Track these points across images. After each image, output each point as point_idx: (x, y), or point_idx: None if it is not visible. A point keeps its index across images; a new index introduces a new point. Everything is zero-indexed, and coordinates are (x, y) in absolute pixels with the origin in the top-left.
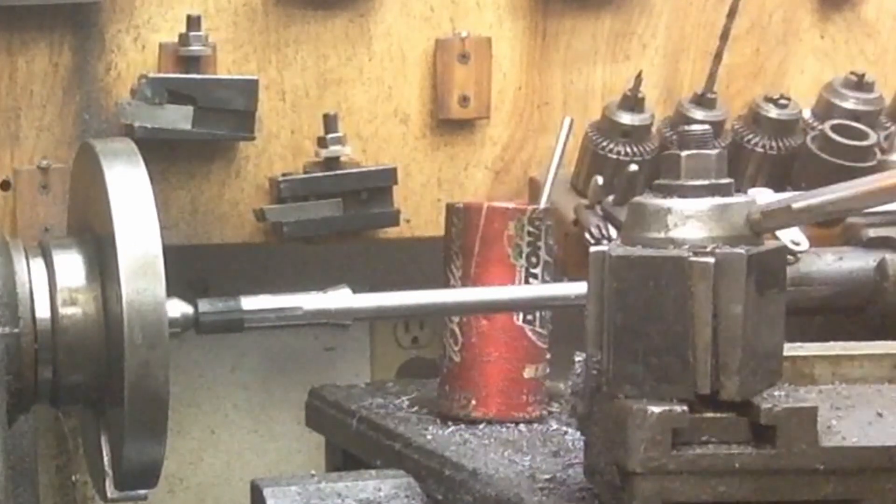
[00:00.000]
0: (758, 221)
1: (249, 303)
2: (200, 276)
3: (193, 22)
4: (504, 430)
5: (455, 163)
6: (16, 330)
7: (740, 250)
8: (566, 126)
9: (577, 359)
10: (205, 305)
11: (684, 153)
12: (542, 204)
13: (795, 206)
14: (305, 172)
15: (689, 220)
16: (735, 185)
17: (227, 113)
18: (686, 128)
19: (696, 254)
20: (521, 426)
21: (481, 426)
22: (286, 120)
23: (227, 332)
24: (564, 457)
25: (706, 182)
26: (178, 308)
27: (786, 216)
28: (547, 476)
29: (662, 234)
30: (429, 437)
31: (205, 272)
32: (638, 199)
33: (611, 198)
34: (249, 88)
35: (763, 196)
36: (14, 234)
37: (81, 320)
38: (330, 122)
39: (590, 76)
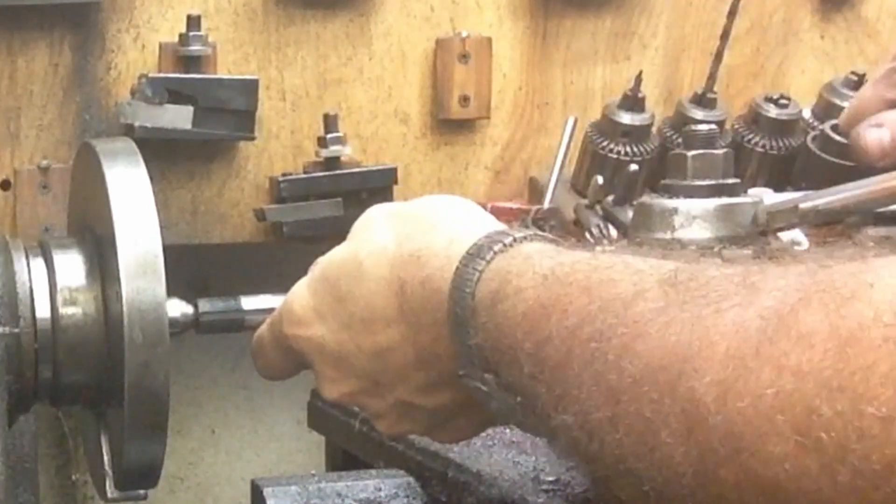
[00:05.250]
0: (764, 222)
1: (249, 303)
2: (200, 275)
3: (193, 22)
4: (508, 431)
5: (455, 163)
6: (16, 330)
7: (746, 251)
8: (569, 126)
9: None
10: (205, 305)
11: (691, 153)
12: (546, 204)
13: (803, 206)
14: (305, 172)
15: (696, 221)
16: None
17: (228, 113)
18: (692, 127)
19: (702, 255)
20: None
21: None
22: (286, 120)
23: (227, 331)
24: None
25: (713, 182)
26: (178, 308)
27: (793, 217)
28: (551, 478)
29: (668, 235)
30: None
31: (205, 272)
32: (644, 199)
33: (611, 198)
34: (250, 88)
35: (767, 196)
36: (14, 234)
37: (81, 320)
38: (330, 122)
39: (590, 76)
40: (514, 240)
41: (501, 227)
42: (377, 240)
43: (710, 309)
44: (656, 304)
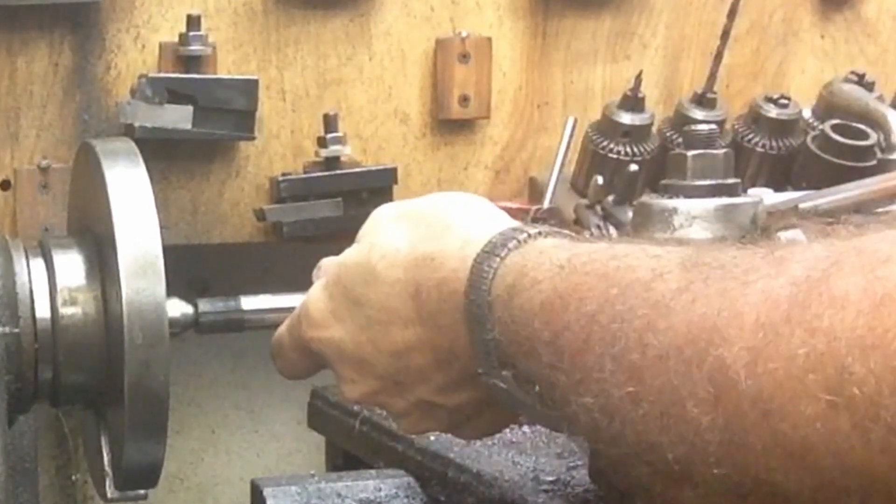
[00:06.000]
0: (764, 222)
1: (249, 303)
2: (200, 275)
3: (193, 22)
4: (508, 431)
5: (455, 163)
6: (16, 330)
7: None
8: (569, 126)
9: None
10: (205, 305)
11: (691, 153)
12: (546, 204)
13: (803, 206)
14: (305, 172)
15: (696, 221)
16: None
17: (228, 113)
18: (692, 127)
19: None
20: (525, 427)
21: None
22: (286, 120)
23: (228, 331)
24: (569, 458)
25: (713, 182)
26: (178, 308)
27: (793, 217)
28: (551, 478)
29: (668, 235)
30: (432, 438)
31: (205, 272)
32: (643, 199)
33: (611, 198)
34: (249, 88)
35: (767, 196)
36: (14, 234)
37: (81, 320)
38: (330, 121)
39: (590, 76)
40: (529, 236)
41: (514, 223)
42: (389, 242)
43: (736, 282)
44: (678, 284)
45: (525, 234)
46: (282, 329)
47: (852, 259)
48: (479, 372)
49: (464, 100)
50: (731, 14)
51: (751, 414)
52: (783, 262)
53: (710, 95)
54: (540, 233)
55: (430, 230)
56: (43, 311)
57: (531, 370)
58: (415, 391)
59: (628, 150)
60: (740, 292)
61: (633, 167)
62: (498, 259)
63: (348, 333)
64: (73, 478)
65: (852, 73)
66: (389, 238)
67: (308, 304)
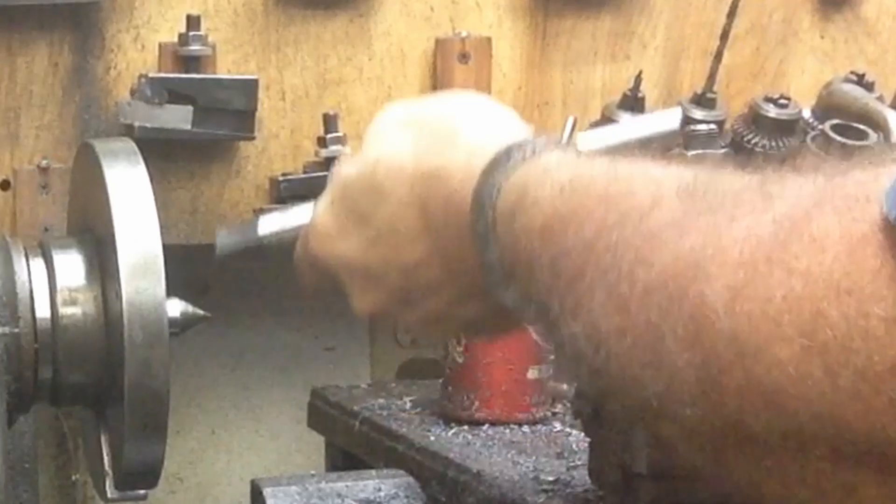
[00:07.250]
0: None
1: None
2: (200, 275)
3: (193, 22)
4: (507, 431)
5: None
6: (16, 330)
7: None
8: (569, 126)
9: None
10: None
11: (691, 153)
12: None
13: None
14: (305, 172)
15: None
16: None
17: (227, 113)
18: (692, 127)
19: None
20: (525, 427)
21: (485, 427)
22: (286, 120)
23: (248, 261)
24: (568, 458)
25: None
26: (178, 308)
27: None
28: (551, 478)
29: None
30: (432, 438)
31: (205, 272)
32: None
33: None
34: (249, 88)
35: None
36: (14, 234)
37: (81, 320)
38: (330, 121)
39: (590, 76)
40: (533, 152)
41: (522, 130)
42: (394, 157)
43: (724, 217)
44: (672, 215)
45: (531, 149)
46: (298, 248)
47: (834, 198)
48: (487, 285)
49: None
50: (731, 14)
51: (726, 354)
52: (771, 198)
53: (709, 95)
54: (546, 147)
55: (436, 140)
56: (43, 311)
57: (530, 290)
58: (425, 304)
59: None
60: (727, 228)
61: None
62: (502, 176)
63: (356, 250)
64: (73, 478)
65: (852, 73)
66: (394, 150)
67: (315, 222)
